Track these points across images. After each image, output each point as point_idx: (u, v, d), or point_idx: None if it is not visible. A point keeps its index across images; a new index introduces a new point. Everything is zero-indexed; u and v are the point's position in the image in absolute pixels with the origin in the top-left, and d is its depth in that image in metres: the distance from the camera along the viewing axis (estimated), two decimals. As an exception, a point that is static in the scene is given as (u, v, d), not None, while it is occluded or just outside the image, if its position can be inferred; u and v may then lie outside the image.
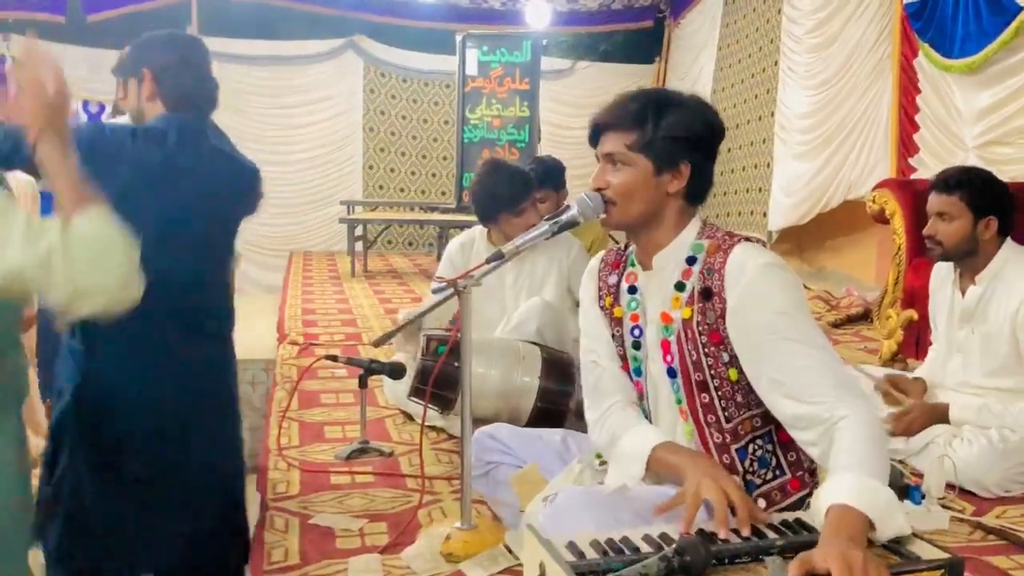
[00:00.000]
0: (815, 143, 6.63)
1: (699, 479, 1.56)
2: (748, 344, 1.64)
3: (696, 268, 1.71)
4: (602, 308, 1.88)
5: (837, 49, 6.36)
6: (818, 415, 1.57)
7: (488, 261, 1.85)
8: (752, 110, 7.88)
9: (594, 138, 1.78)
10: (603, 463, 1.89)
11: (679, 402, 1.76)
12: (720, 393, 1.71)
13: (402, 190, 10.06)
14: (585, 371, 1.91)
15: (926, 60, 5.38)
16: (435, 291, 2.08)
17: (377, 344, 2.54)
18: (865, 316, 5.23)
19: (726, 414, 1.71)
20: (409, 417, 3.19)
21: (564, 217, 1.80)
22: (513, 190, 3.04)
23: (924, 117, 5.49)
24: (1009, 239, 2.70)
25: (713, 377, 1.70)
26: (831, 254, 7.12)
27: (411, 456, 2.81)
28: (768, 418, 1.70)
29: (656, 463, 1.70)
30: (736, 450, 1.71)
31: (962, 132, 5.10)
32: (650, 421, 1.82)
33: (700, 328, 1.69)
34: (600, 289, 1.89)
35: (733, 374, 1.69)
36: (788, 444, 1.72)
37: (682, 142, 1.71)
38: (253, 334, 5.19)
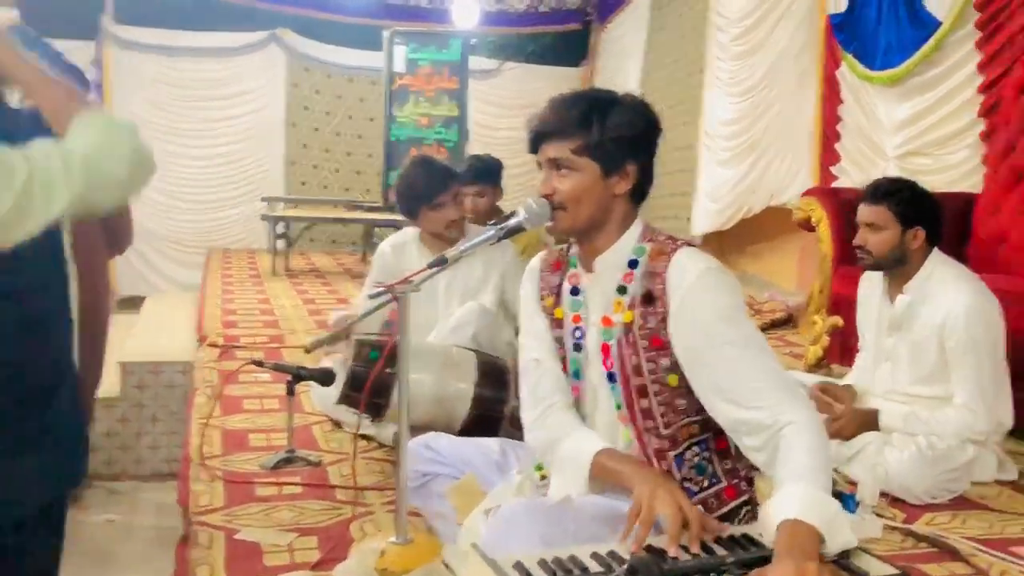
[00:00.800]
0: (739, 150, 6.73)
1: (652, 490, 1.53)
2: (689, 349, 1.64)
3: (638, 272, 1.70)
4: (543, 309, 1.84)
5: (762, 57, 6.46)
6: (761, 421, 1.57)
7: (431, 266, 1.78)
8: (678, 116, 7.95)
9: (534, 144, 1.75)
10: (544, 477, 1.85)
11: (618, 407, 1.74)
12: (660, 399, 1.69)
13: (325, 187, 9.86)
14: (524, 371, 1.87)
15: (849, 70, 5.49)
16: (372, 296, 2.01)
17: (310, 350, 2.45)
18: (788, 321, 5.33)
19: (664, 420, 1.70)
20: (337, 424, 3.09)
21: (511, 223, 1.76)
22: (430, 183, 3.00)
23: (846, 127, 5.61)
24: (936, 249, 2.76)
25: (653, 382, 1.69)
26: (752, 259, 7.24)
27: (340, 466, 2.72)
28: (706, 425, 1.71)
29: (599, 469, 1.68)
30: (674, 457, 1.71)
31: (883, 142, 5.22)
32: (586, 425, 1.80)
33: (641, 332, 1.68)
34: (541, 289, 1.86)
35: (673, 380, 1.68)
36: (724, 452, 1.73)
37: (628, 142, 1.70)
38: (170, 334, 5.02)
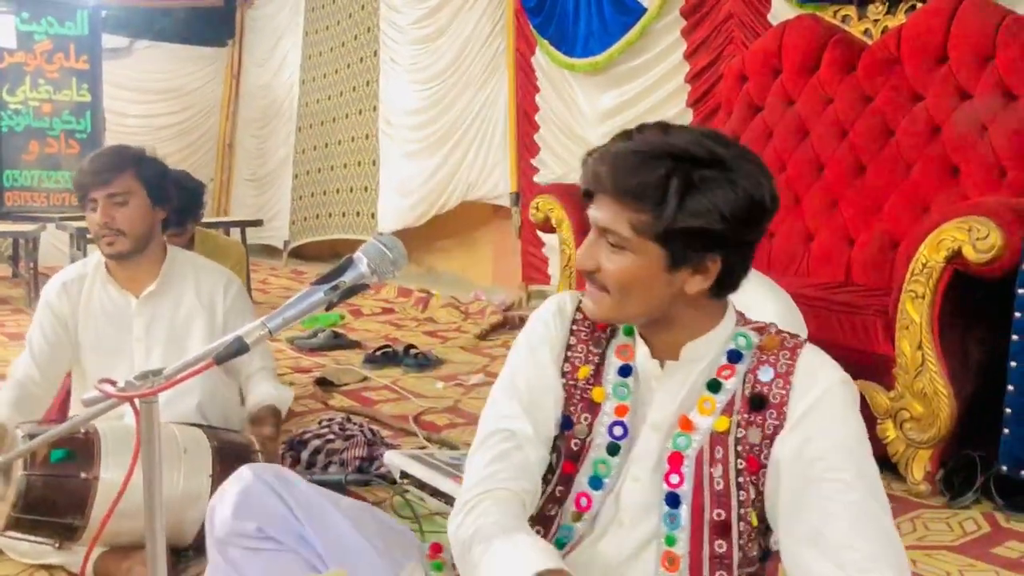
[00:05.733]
0: (429, 141, 6.30)
1: None
2: (796, 479, 1.13)
3: (742, 367, 1.18)
4: (567, 376, 1.25)
5: (448, 42, 6.08)
6: None
7: (219, 360, 1.05)
8: (351, 103, 7.35)
9: (588, 192, 1.17)
10: None
11: (671, 543, 1.18)
12: (741, 542, 1.18)
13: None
14: (488, 437, 1.24)
15: (545, 58, 5.26)
16: (88, 402, 1.23)
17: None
18: (505, 324, 4.99)
19: (739, 573, 1.19)
20: (-2, 552, 2.13)
21: (347, 279, 1.10)
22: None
23: (544, 117, 5.38)
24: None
25: (740, 519, 1.17)
26: (443, 256, 6.85)
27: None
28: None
29: None
30: None
31: (586, 133, 5.04)
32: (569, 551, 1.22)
33: (739, 448, 1.17)
34: (572, 348, 1.26)
35: (754, 517, 1.18)
36: None
37: (712, 237, 1.10)
38: None
